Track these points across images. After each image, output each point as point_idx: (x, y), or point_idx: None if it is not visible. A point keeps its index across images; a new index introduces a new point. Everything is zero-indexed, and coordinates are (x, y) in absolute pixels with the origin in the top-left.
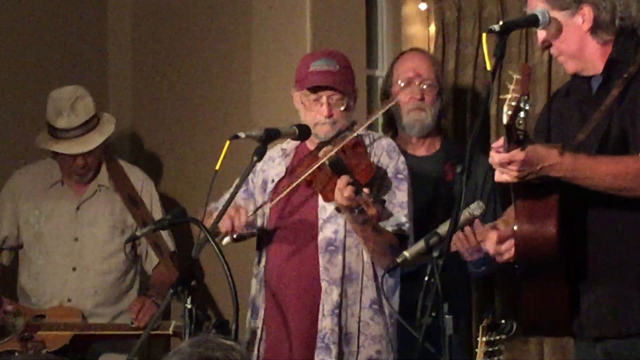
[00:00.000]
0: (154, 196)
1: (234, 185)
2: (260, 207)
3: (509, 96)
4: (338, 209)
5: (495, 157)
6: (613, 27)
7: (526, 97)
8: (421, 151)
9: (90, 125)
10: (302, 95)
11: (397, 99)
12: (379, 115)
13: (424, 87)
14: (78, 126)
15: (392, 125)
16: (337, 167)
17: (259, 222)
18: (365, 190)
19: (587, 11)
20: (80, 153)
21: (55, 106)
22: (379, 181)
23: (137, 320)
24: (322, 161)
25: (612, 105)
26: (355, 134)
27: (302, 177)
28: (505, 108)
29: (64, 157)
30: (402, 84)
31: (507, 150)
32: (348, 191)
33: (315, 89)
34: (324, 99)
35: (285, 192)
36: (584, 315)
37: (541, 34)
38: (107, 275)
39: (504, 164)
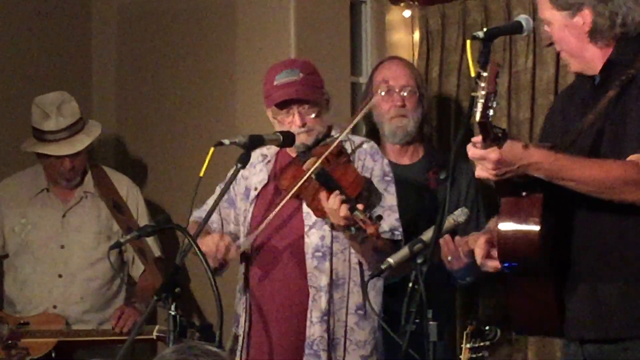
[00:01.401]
0: (140, 202)
1: (218, 193)
2: (251, 236)
3: (479, 94)
4: (332, 225)
5: (469, 151)
6: (612, 32)
7: (493, 94)
8: (404, 159)
9: (77, 127)
10: (272, 111)
11: (374, 100)
12: (358, 119)
13: (405, 93)
14: (65, 128)
15: (374, 135)
16: (324, 179)
17: (239, 230)
18: (360, 206)
19: (586, 13)
20: (68, 154)
21: (41, 110)
22: (367, 189)
23: (118, 327)
24: (308, 174)
25: (607, 106)
26: (337, 142)
27: (290, 194)
28: (478, 106)
29: (51, 160)
30: (383, 92)
31: (484, 148)
32: (344, 211)
33: (283, 104)
34: (294, 109)
35: (274, 213)
36: (568, 317)
37: (545, 35)
38: (93, 281)
39: (478, 159)
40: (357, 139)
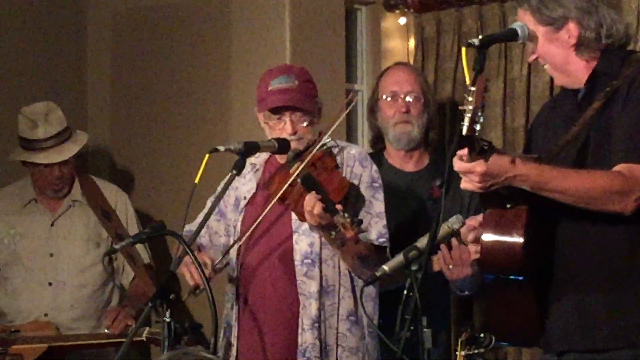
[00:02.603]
0: (129, 210)
1: (208, 207)
2: (231, 247)
3: (467, 108)
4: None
5: (456, 165)
6: (598, 44)
7: (481, 108)
8: (409, 166)
9: (64, 135)
10: (264, 116)
11: (354, 103)
12: (339, 121)
13: (410, 99)
14: (54, 136)
15: (380, 140)
16: (309, 183)
17: (230, 241)
18: (339, 207)
19: (572, 27)
20: (57, 162)
21: (29, 119)
22: (355, 194)
23: (113, 328)
24: (292, 178)
25: (592, 117)
26: (319, 145)
27: (275, 198)
28: (465, 120)
29: (40, 169)
30: (388, 98)
31: (470, 161)
32: (317, 208)
33: (276, 110)
34: (286, 116)
35: (259, 219)
36: (551, 328)
37: (530, 50)
38: (83, 288)
39: (464, 172)
40: (346, 145)
